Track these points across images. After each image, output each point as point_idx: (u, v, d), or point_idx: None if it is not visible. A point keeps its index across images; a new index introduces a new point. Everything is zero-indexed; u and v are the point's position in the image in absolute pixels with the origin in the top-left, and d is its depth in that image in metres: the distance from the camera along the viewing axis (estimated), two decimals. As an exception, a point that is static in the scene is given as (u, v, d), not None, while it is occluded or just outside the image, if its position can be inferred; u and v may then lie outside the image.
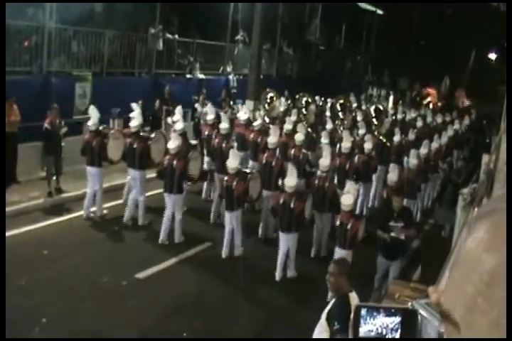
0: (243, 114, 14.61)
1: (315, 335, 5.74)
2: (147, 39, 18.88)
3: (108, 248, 10.30)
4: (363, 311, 1.11)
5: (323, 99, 20.69)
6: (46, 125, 12.16)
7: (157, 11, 18.77)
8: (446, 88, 34.95)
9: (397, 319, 1.12)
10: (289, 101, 19.39)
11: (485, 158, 7.40)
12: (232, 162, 10.27)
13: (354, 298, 5.63)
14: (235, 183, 10.16)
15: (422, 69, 34.37)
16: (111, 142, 11.59)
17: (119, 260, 9.79)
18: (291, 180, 9.71)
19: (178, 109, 13.71)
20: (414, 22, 35.08)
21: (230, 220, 10.33)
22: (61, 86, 14.79)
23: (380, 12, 34.27)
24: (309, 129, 14.84)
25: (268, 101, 18.04)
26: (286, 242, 9.64)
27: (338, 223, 9.10)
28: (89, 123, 11.61)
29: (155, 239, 10.88)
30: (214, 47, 22.46)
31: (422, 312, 1.08)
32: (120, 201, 12.64)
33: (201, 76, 20.82)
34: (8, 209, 10.85)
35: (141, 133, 11.98)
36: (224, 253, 10.31)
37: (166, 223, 10.68)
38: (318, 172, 11.05)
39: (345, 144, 12.69)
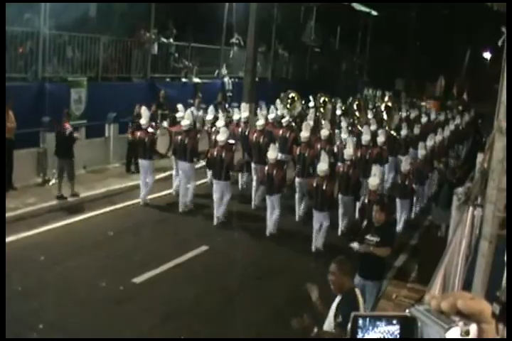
0: (271, 113, 16.21)
1: None
2: (143, 43, 18.87)
3: (105, 252, 10.29)
4: (361, 321, 1.10)
5: (333, 100, 22.34)
6: (70, 129, 12.83)
7: (152, 15, 18.77)
8: (442, 88, 35.00)
9: (397, 326, 1.11)
10: (303, 101, 21.00)
11: (479, 156, 7.40)
12: (273, 153, 11.91)
13: (359, 295, 5.62)
14: (275, 171, 11.75)
15: (417, 69, 34.45)
16: (159, 138, 13.28)
17: (116, 264, 9.79)
18: (323, 166, 11.23)
19: (210, 109, 15.83)
20: (409, 22, 35.14)
21: (271, 203, 11.85)
22: (56, 92, 14.79)
23: (374, 13, 34.32)
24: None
25: (289, 101, 19.74)
26: (319, 219, 11.25)
27: (366, 201, 10.71)
28: (142, 122, 13.24)
29: (151, 243, 10.89)
30: (209, 50, 22.46)
31: (424, 319, 1.06)
32: (116, 206, 12.76)
33: (197, 80, 20.84)
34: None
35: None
36: (268, 232, 11.85)
37: (216, 206, 12.25)
38: (339, 163, 12.98)
39: (365, 137, 14.39)
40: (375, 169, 11.36)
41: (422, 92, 34.16)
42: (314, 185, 11.27)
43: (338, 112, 20.39)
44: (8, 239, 10.00)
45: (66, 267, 9.44)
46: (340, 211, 12.35)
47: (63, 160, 12.76)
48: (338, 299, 5.60)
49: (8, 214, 11.05)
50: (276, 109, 17.19)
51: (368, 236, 8.03)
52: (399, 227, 12.67)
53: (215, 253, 10.79)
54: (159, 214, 12.63)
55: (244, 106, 16.30)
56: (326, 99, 21.09)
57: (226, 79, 22.62)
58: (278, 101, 19.13)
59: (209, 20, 21.56)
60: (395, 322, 1.09)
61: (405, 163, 12.95)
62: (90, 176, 14.57)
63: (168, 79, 20.36)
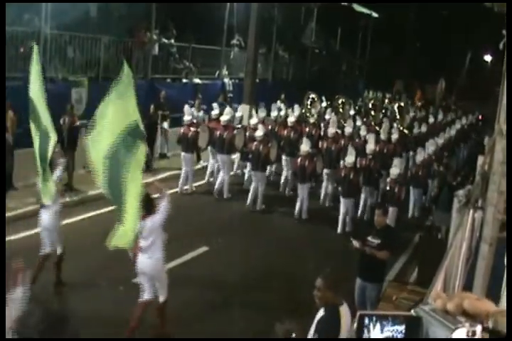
0: (295, 112, 17.54)
1: None
2: (144, 44, 18.86)
3: (105, 252, 10.22)
4: (367, 320, 1.10)
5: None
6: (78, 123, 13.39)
7: (153, 15, 18.78)
8: (442, 90, 35.01)
9: (403, 326, 1.11)
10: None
11: (480, 159, 7.39)
12: (305, 146, 13.39)
13: (346, 312, 5.39)
14: (307, 163, 13.24)
15: (417, 71, 34.44)
16: (201, 134, 14.75)
17: (115, 264, 9.77)
18: (351, 158, 12.80)
19: (240, 108, 17.38)
20: (409, 24, 35.15)
21: (302, 191, 13.32)
22: (57, 91, 14.78)
23: (375, 15, 34.33)
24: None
25: (310, 101, 20.91)
26: (345, 205, 12.83)
27: (388, 188, 12.60)
28: (185, 119, 14.78)
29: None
30: (210, 51, 22.48)
31: (429, 319, 1.07)
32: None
33: (197, 80, 20.84)
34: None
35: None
36: (301, 215, 13.43)
37: (252, 194, 13.78)
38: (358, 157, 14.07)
39: (384, 133, 16.24)
40: (396, 161, 13.05)
41: (421, 94, 34.18)
42: (342, 175, 12.84)
43: (352, 112, 22.16)
44: (8, 239, 9.97)
45: (66, 266, 9.43)
46: (362, 198, 13.86)
47: (70, 153, 13.06)
48: (321, 312, 5.46)
49: (8, 214, 11.02)
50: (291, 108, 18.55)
51: (369, 238, 8.06)
52: (416, 213, 14.69)
53: (215, 254, 10.78)
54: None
55: (275, 105, 18.30)
56: (344, 100, 22.82)
57: (227, 80, 22.63)
58: (279, 102, 19.18)
59: (210, 21, 21.57)
60: (400, 321, 1.10)
61: (419, 156, 14.50)
62: (90, 176, 14.52)
63: (168, 80, 20.37)
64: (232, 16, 23.00)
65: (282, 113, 18.03)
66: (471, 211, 5.81)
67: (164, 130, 17.55)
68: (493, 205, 5.37)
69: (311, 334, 5.42)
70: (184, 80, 20.66)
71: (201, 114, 17.48)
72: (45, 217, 8.69)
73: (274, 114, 17.76)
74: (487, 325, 1.06)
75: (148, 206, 7.27)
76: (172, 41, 20.29)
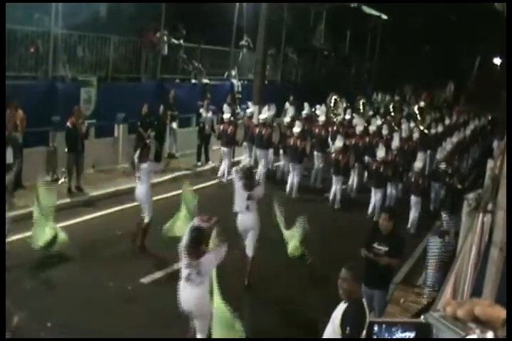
0: (323, 113, 18.90)
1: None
2: (154, 44, 18.88)
3: (113, 252, 10.30)
4: (376, 327, 1.09)
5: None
6: (68, 124, 13.20)
7: (162, 16, 18.80)
8: (451, 93, 34.94)
9: (413, 333, 1.10)
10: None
11: (490, 163, 7.34)
12: (339, 143, 14.87)
13: (366, 305, 5.49)
14: (340, 157, 14.68)
15: (426, 74, 34.36)
16: (238, 130, 16.50)
17: (124, 264, 9.79)
18: (381, 153, 14.09)
19: (272, 107, 18.16)
20: (418, 27, 35.07)
21: (336, 182, 14.85)
22: (66, 91, 14.83)
23: (384, 17, 34.27)
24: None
25: (333, 102, 22.15)
26: (376, 195, 14.20)
27: (413, 180, 13.78)
28: (225, 116, 16.29)
29: (160, 243, 10.87)
30: (219, 52, 22.49)
31: (439, 326, 1.06)
32: (125, 206, 12.75)
33: (206, 81, 20.83)
34: (13, 213, 10.82)
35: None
36: (334, 204, 14.79)
37: (290, 183, 15.38)
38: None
39: (405, 132, 17.65)
40: (420, 155, 14.13)
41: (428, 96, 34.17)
42: (374, 168, 14.27)
43: (371, 113, 23.36)
44: (16, 237, 10.01)
45: (74, 266, 9.46)
46: (388, 190, 14.88)
47: (73, 154, 13.27)
48: (343, 306, 5.45)
49: (16, 213, 11.04)
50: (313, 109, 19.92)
51: (375, 245, 7.71)
52: (436, 206, 15.16)
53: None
54: (170, 213, 12.64)
55: (306, 105, 19.42)
56: (364, 102, 24.29)
57: (235, 81, 22.63)
58: (287, 103, 19.17)
59: (219, 22, 21.55)
60: (410, 328, 1.09)
61: (440, 153, 15.60)
62: (99, 175, 14.61)
63: (177, 80, 20.38)
64: (241, 17, 22.99)
65: (304, 112, 19.10)
66: (481, 215, 5.77)
67: (173, 130, 17.59)
68: (503, 209, 5.33)
69: (334, 325, 5.37)
70: (193, 81, 20.67)
71: (210, 114, 17.48)
72: (139, 191, 10.44)
73: (304, 112, 18.96)
74: (500, 332, 1.05)
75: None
76: (181, 42, 20.29)
